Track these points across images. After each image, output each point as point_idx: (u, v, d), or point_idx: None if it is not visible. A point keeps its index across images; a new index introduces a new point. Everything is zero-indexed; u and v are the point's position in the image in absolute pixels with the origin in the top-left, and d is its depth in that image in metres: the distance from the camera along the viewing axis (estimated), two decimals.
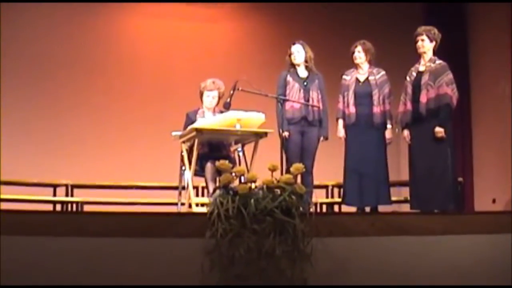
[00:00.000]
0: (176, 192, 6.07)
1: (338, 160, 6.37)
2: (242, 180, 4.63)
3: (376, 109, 6.19)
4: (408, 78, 6.15)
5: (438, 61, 6.05)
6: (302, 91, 6.15)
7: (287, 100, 6.08)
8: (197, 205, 5.68)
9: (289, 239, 4.35)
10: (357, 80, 6.29)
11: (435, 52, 6.10)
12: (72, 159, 8.42)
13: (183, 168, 5.93)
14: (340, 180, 6.45)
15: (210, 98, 6.12)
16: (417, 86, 6.03)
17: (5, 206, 6.78)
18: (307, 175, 5.80)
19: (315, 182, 6.29)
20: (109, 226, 4.37)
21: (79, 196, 7.83)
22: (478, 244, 4.88)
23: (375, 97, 6.20)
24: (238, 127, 5.68)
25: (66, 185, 7.87)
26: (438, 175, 5.90)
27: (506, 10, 7.93)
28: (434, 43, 6.07)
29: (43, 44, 8.70)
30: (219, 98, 6.14)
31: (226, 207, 4.30)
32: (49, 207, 7.66)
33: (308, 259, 4.37)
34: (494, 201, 8.05)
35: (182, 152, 5.92)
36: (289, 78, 6.19)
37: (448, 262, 4.79)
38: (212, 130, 5.72)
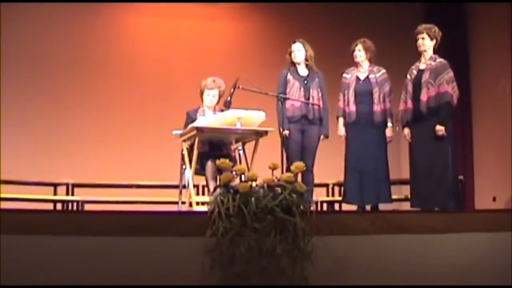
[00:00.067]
0: (176, 191, 6.07)
1: (338, 158, 6.38)
2: (243, 179, 4.62)
3: (377, 108, 6.19)
4: (408, 76, 6.15)
5: (439, 59, 6.05)
6: (302, 89, 6.15)
7: (288, 98, 6.08)
8: (197, 203, 5.68)
9: (289, 237, 4.35)
10: (358, 78, 6.29)
11: (435, 51, 6.10)
12: (73, 158, 8.43)
13: (184, 166, 5.93)
14: (341, 178, 6.46)
15: (210, 97, 6.12)
16: (417, 84, 6.03)
17: (6, 205, 6.79)
18: (307, 173, 5.80)
19: (316, 181, 6.29)
20: (110, 225, 4.37)
21: (79, 195, 7.84)
22: (479, 242, 4.88)
23: (376, 95, 6.20)
24: (238, 126, 5.68)
25: (67, 184, 7.89)
26: (438, 173, 5.90)
27: (506, 10, 7.93)
28: (434, 41, 6.07)
29: (43, 44, 8.71)
30: (220, 96, 6.14)
31: (227, 206, 4.30)
32: (50, 206, 7.66)
33: (308, 257, 4.37)
34: (494, 199, 8.05)
35: (182, 150, 5.92)
36: (289, 77, 6.19)
37: (449, 260, 4.79)
38: (212, 128, 5.72)
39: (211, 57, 8.96)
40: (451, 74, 6.00)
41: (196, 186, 6.69)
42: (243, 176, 4.63)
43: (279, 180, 4.47)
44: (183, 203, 5.92)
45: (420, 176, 6.00)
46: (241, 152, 5.98)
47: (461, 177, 7.54)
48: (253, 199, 4.33)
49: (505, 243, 4.88)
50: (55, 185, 7.88)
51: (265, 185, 4.43)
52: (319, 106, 6.15)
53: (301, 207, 4.41)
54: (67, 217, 4.69)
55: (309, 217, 4.40)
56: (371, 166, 6.11)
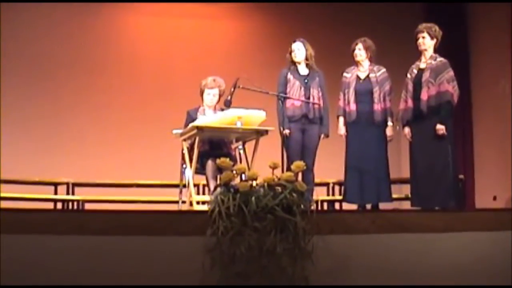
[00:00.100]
0: (177, 190, 6.07)
1: (338, 157, 6.38)
2: (243, 178, 4.62)
3: (377, 107, 6.19)
4: (409, 75, 6.14)
5: (439, 58, 6.05)
6: (302, 88, 6.15)
7: (288, 97, 6.09)
8: (198, 203, 5.68)
9: (290, 237, 4.34)
10: (358, 77, 6.29)
11: (436, 50, 6.10)
12: (73, 158, 8.43)
13: (184, 166, 5.94)
14: (341, 177, 6.46)
15: (210, 96, 6.12)
16: (418, 84, 6.03)
17: (6, 204, 6.79)
18: (308, 172, 5.81)
19: (316, 180, 6.30)
20: (110, 224, 4.36)
21: (80, 194, 7.85)
22: (479, 242, 4.88)
23: (376, 95, 6.20)
24: (238, 125, 5.68)
25: (67, 183, 7.90)
26: (439, 173, 5.90)
27: (506, 10, 7.93)
28: (435, 40, 6.07)
29: (43, 44, 8.70)
30: (220, 96, 6.14)
31: (227, 205, 4.29)
32: (50, 205, 7.66)
33: (309, 256, 4.37)
34: (495, 198, 8.05)
35: (183, 150, 5.92)
36: (289, 76, 6.19)
37: (449, 260, 4.78)
38: (212, 128, 5.72)
39: (211, 57, 8.95)
40: (451, 73, 5.99)
41: (196, 186, 6.70)
42: (243, 175, 4.63)
43: (279, 179, 4.46)
44: (184, 202, 5.92)
45: (421, 175, 6.00)
46: (241, 151, 5.98)
47: (461, 176, 7.53)
48: (253, 198, 4.33)
49: (505, 242, 4.88)
50: (56, 185, 7.88)
51: (266, 184, 4.43)
52: (319, 105, 6.15)
53: (302, 206, 4.40)
54: (68, 217, 4.68)
55: (309, 216, 4.39)
56: (372, 165, 6.12)
